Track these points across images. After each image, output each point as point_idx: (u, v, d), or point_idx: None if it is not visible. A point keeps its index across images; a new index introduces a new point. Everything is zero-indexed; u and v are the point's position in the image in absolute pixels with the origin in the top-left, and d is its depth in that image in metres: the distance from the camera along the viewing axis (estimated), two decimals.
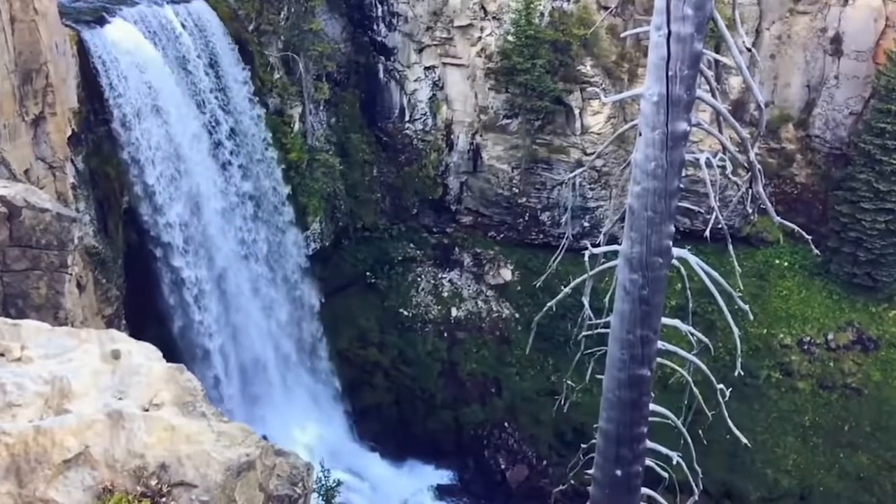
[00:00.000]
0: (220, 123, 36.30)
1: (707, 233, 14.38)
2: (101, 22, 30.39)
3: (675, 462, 15.75)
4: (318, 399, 43.20)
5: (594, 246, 14.55)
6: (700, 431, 16.33)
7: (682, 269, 13.98)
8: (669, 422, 15.49)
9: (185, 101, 33.97)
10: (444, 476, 43.65)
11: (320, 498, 28.28)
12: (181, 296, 35.03)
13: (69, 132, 27.53)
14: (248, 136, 38.61)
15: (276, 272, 41.51)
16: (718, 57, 13.44)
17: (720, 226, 13.97)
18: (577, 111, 45.09)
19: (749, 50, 12.74)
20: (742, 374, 16.05)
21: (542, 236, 48.46)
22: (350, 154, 46.27)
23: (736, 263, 15.51)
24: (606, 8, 43.04)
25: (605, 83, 44.05)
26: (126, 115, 30.63)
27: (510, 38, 43.76)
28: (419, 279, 47.96)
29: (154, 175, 32.85)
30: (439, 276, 48.25)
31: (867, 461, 43.12)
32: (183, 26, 34.10)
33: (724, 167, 13.61)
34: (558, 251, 15.88)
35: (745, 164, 13.15)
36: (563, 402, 18.35)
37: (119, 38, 30.36)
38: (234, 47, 37.42)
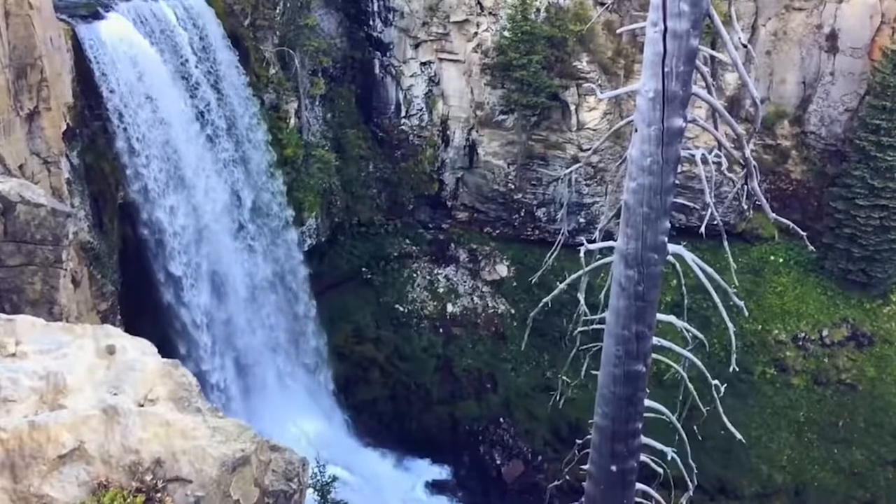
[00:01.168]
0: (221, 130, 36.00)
1: (702, 229, 14.42)
2: (97, 17, 30.22)
3: (669, 457, 15.82)
4: (313, 394, 43.19)
5: (590, 242, 14.58)
6: (695, 427, 16.39)
7: (678, 265, 14.02)
8: (664, 417, 15.54)
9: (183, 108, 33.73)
10: (440, 471, 43.66)
11: (315, 493, 28.30)
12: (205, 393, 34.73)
13: (64, 127, 27.41)
14: (267, 207, 38.72)
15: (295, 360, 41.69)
16: (714, 53, 13.47)
17: (715, 222, 14.00)
18: (573, 107, 45.09)
19: (745, 46, 12.75)
20: (737, 370, 16.09)
21: (537, 232, 48.48)
22: (346, 150, 46.19)
23: (731, 259, 15.58)
24: (603, 4, 43.01)
25: (602, 79, 44.04)
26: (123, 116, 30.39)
27: (506, 33, 43.71)
28: (415, 275, 47.97)
29: (180, 263, 32.57)
30: (435, 271, 48.25)
31: (861, 457, 43.29)
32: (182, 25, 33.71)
33: (719, 163, 13.65)
34: (554, 247, 15.91)
35: (741, 161, 13.18)
36: (558, 397, 18.43)
37: (113, 33, 30.18)
38: (251, 102, 37.19)
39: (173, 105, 32.72)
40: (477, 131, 47.28)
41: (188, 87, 33.54)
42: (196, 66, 33.55)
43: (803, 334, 45.67)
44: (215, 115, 35.01)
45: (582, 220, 47.38)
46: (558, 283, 15.89)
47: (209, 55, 34.74)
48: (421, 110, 47.54)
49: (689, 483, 16.14)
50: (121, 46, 29.73)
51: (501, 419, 44.69)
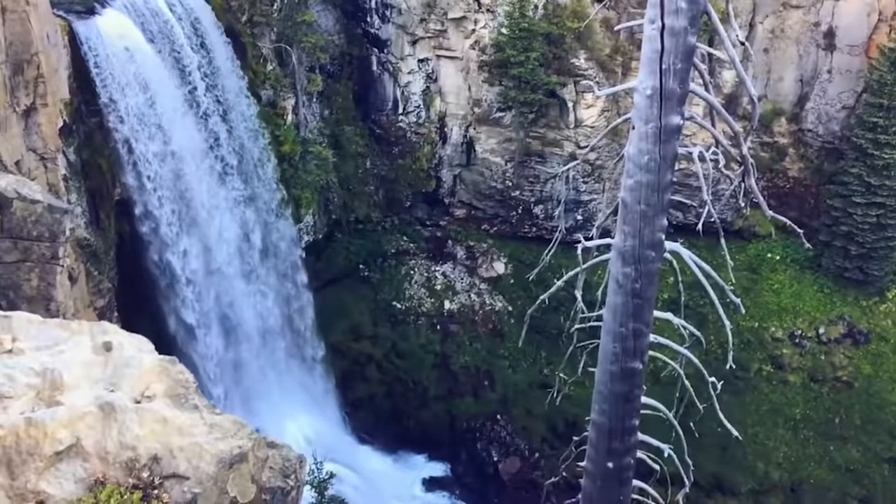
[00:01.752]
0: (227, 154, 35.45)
1: (699, 226, 14.41)
2: (93, 12, 30.01)
3: (666, 454, 15.83)
4: (311, 391, 43.20)
5: (587, 239, 14.56)
6: (691, 424, 16.40)
7: (675, 262, 14.02)
8: (661, 414, 15.56)
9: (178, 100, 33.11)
10: (437, 468, 43.73)
11: (313, 490, 28.33)
12: None
13: (61, 123, 27.35)
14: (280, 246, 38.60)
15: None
16: (712, 51, 13.47)
17: (713, 219, 13.99)
18: (570, 104, 45.07)
19: (742, 44, 12.75)
20: (733, 367, 16.13)
21: (535, 229, 48.48)
22: (343, 146, 46.14)
23: (728, 257, 15.56)
24: (600, 1, 42.98)
25: (599, 76, 44.02)
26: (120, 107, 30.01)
27: (504, 30, 43.68)
28: (412, 272, 47.95)
29: (192, 311, 32.24)
30: (432, 268, 48.24)
31: (857, 454, 43.38)
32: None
33: (716, 161, 13.64)
34: (551, 244, 15.90)
35: (738, 158, 13.19)
36: (555, 394, 18.44)
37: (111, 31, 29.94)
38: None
39: (184, 132, 32.27)
40: (474, 128, 47.25)
41: (197, 112, 33.04)
42: (205, 94, 33.06)
43: (800, 331, 45.74)
44: (225, 149, 34.57)
45: (579, 217, 47.38)
46: (556, 281, 15.88)
47: (217, 81, 34.25)
48: (418, 107, 47.51)
49: (686, 480, 16.18)
50: (127, 64, 29.25)
51: (499, 416, 44.74)
